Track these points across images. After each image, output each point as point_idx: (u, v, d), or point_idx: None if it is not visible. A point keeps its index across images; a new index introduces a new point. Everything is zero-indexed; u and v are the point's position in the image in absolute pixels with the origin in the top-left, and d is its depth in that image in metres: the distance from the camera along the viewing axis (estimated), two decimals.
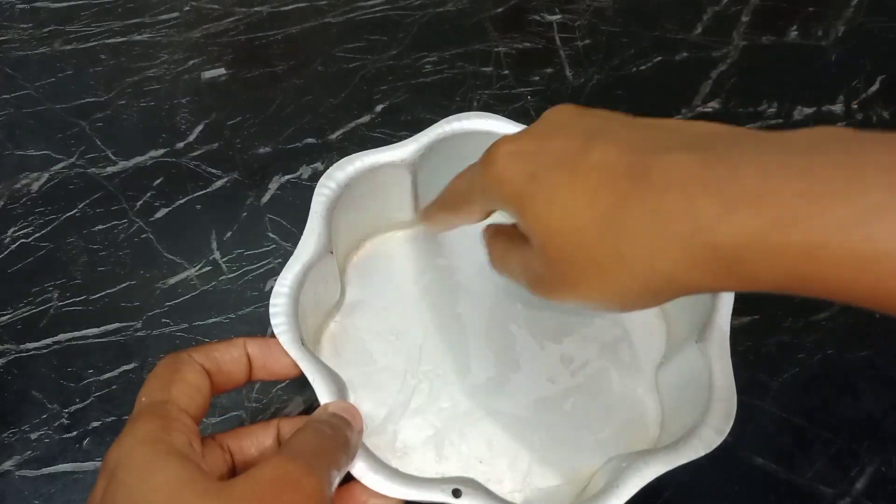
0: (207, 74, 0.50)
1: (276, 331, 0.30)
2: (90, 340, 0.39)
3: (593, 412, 0.36)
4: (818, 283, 0.19)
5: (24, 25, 0.52)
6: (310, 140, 0.47)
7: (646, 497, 0.32)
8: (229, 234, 0.43)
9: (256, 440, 0.28)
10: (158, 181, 0.45)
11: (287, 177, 0.45)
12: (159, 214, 0.44)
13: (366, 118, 0.48)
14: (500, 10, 0.55)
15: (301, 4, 0.54)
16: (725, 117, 0.49)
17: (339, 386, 0.30)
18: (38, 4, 0.53)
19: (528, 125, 0.38)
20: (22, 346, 0.39)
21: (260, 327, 0.40)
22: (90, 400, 0.37)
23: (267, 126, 0.48)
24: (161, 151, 0.46)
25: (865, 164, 0.18)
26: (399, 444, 0.35)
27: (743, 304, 0.39)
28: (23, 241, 0.42)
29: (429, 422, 0.35)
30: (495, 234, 0.31)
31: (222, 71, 0.50)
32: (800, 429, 0.37)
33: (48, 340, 0.39)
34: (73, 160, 0.46)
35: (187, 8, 0.54)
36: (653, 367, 0.37)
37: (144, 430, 0.24)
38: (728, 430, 0.30)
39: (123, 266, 0.42)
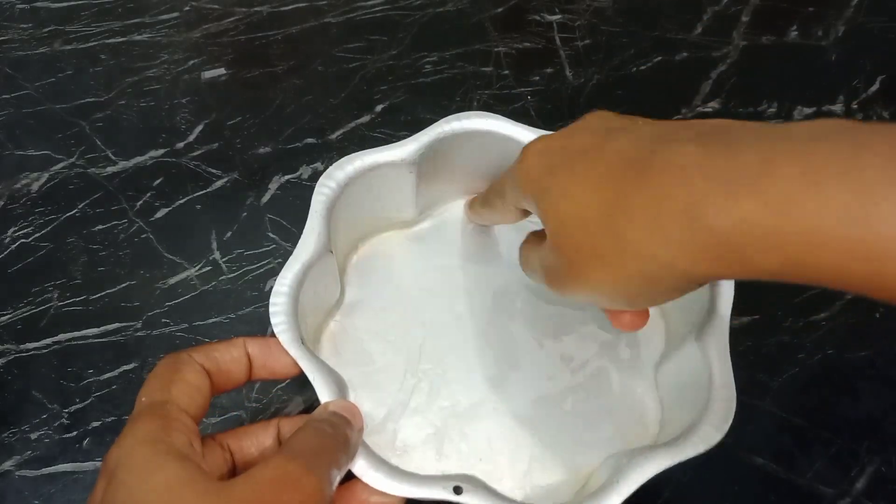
0: (207, 74, 0.50)
1: (275, 330, 0.30)
2: (90, 340, 0.39)
3: (593, 410, 0.36)
4: (816, 268, 0.19)
5: (24, 25, 0.52)
6: (310, 140, 0.47)
7: (646, 497, 0.32)
8: (229, 234, 0.43)
9: (256, 440, 0.28)
10: (158, 181, 0.45)
11: (287, 177, 0.45)
12: (159, 214, 0.44)
13: (366, 118, 0.48)
14: (500, 10, 0.55)
15: (301, 4, 0.54)
16: (725, 117, 0.49)
17: (340, 385, 0.30)
18: (38, 4, 0.53)
19: (527, 125, 0.38)
20: (22, 346, 0.39)
21: (260, 327, 0.40)
22: (90, 400, 0.37)
23: (267, 126, 0.48)
24: (161, 151, 0.46)
25: (864, 151, 0.18)
26: (399, 443, 0.35)
27: (743, 304, 0.39)
28: (23, 241, 0.42)
29: (429, 420, 0.35)
30: (526, 240, 0.32)
31: (222, 71, 0.50)
32: (800, 429, 0.37)
33: (48, 340, 0.39)
34: (73, 160, 0.46)
35: (187, 8, 0.54)
36: (652, 365, 0.38)
37: (144, 431, 0.24)
38: (727, 427, 0.30)
39: (123, 266, 0.42)
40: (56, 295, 0.41)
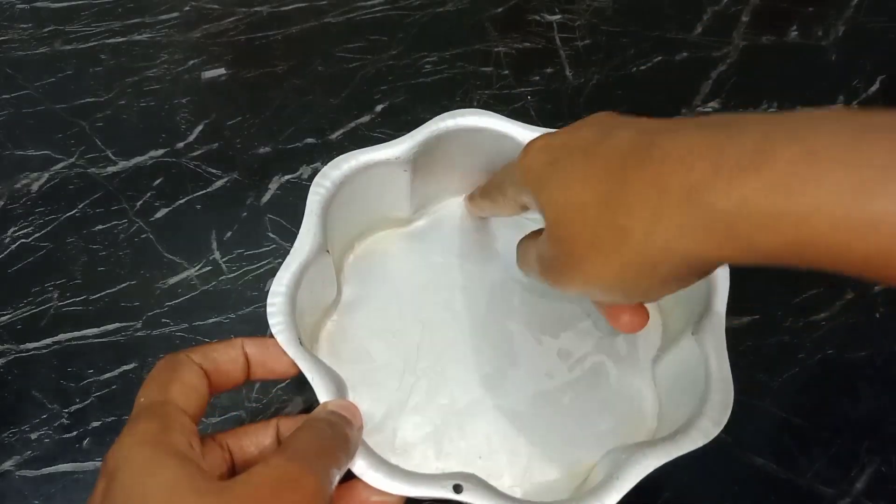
0: (207, 74, 0.50)
1: (273, 330, 0.30)
2: (90, 340, 0.39)
3: (591, 406, 0.36)
4: (817, 248, 0.19)
5: (24, 25, 0.52)
6: (310, 140, 0.47)
7: (645, 496, 0.32)
8: (229, 234, 0.43)
9: (256, 439, 0.28)
10: (158, 181, 0.45)
11: (287, 177, 0.45)
12: (159, 214, 0.44)
13: (366, 118, 0.48)
14: (500, 10, 0.55)
15: (301, 4, 0.54)
16: None
17: (338, 384, 0.30)
18: (38, 4, 0.53)
19: (525, 123, 0.38)
20: (22, 346, 0.39)
21: (260, 327, 0.40)
22: (90, 400, 0.37)
23: (267, 126, 0.48)
24: (161, 151, 0.46)
25: (865, 131, 0.18)
26: (399, 442, 0.35)
27: (743, 304, 0.39)
28: (23, 241, 0.42)
29: (428, 419, 0.35)
30: (523, 238, 0.33)
31: (222, 71, 0.50)
32: (800, 429, 0.37)
33: (48, 340, 0.39)
34: (73, 160, 0.46)
35: (187, 8, 0.54)
36: (650, 360, 0.38)
37: (143, 431, 0.24)
38: (725, 420, 0.30)
39: (123, 266, 0.42)
40: (56, 295, 0.41)
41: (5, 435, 0.36)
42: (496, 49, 0.52)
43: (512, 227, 0.42)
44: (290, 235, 0.43)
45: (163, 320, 0.40)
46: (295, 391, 0.38)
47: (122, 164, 0.46)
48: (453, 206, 0.42)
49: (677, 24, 0.54)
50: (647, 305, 0.39)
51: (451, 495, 0.28)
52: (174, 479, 0.22)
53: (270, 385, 0.38)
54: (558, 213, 0.26)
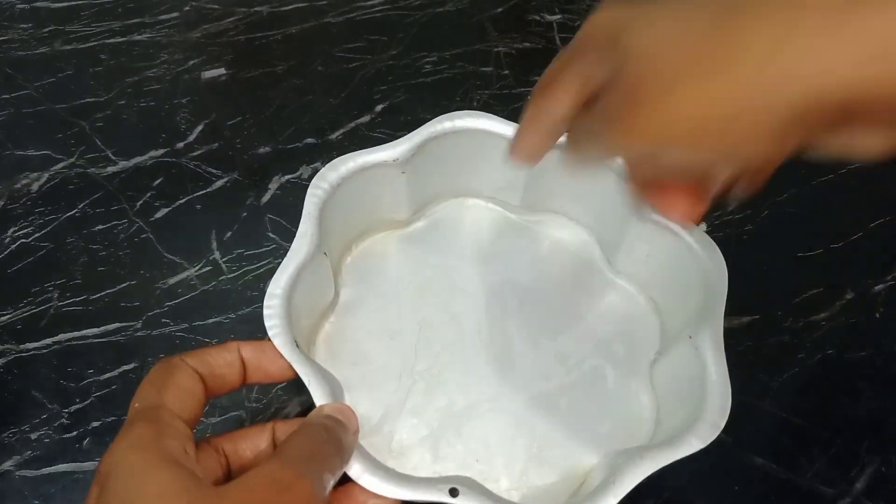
0: (207, 74, 0.50)
1: (270, 333, 0.30)
2: (90, 340, 0.39)
3: (589, 409, 0.36)
4: None
5: (24, 25, 0.52)
6: (310, 140, 0.47)
7: (645, 496, 0.32)
8: (229, 234, 0.43)
9: (252, 443, 0.28)
10: (158, 181, 0.45)
11: (287, 177, 0.45)
12: (159, 214, 0.44)
13: (366, 118, 0.48)
14: (500, 10, 0.55)
15: (301, 4, 0.54)
16: None
17: (335, 387, 0.30)
18: (38, 4, 0.53)
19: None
20: (22, 346, 0.39)
21: (260, 327, 0.40)
22: (90, 400, 0.37)
23: (267, 126, 0.48)
24: (161, 151, 0.46)
25: None
26: (395, 445, 0.35)
27: (743, 304, 0.39)
28: (23, 241, 0.42)
29: (425, 421, 0.35)
30: (572, 126, 0.26)
31: (222, 71, 0.50)
32: (800, 429, 0.37)
33: (48, 340, 0.39)
34: (73, 160, 0.46)
35: (187, 8, 0.54)
36: (647, 363, 0.38)
37: (137, 436, 0.23)
38: (724, 424, 0.30)
39: (123, 266, 0.42)
40: (56, 295, 0.41)
41: (5, 435, 0.36)
42: (496, 49, 0.52)
43: (510, 229, 0.42)
44: (290, 235, 0.43)
45: (163, 320, 0.40)
46: (295, 391, 0.38)
47: (122, 164, 0.46)
48: (451, 208, 0.42)
49: None
50: (645, 307, 0.39)
51: (448, 499, 0.28)
52: (166, 486, 0.22)
53: (270, 385, 0.38)
54: (646, 43, 0.20)
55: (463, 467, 0.34)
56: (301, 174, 0.45)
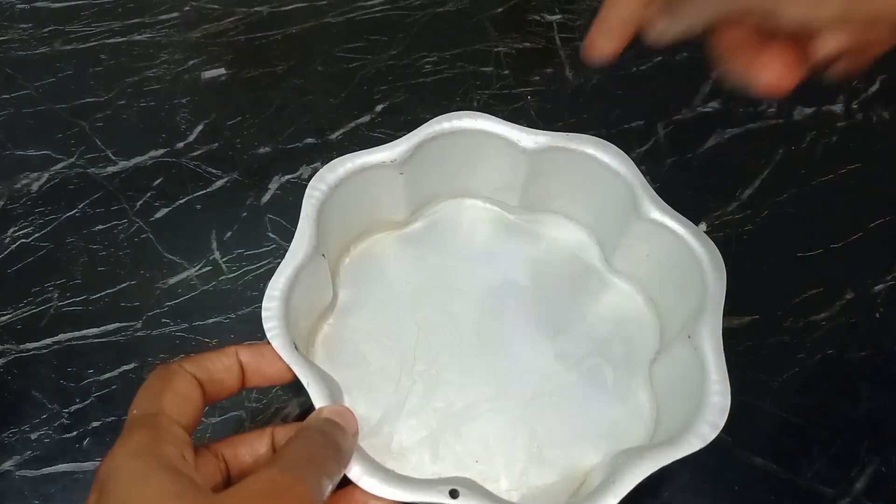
0: (207, 74, 0.50)
1: (268, 335, 0.30)
2: (90, 340, 0.39)
3: (588, 409, 0.36)
4: None
5: (24, 25, 0.52)
6: (310, 140, 0.47)
7: (645, 496, 0.32)
8: (229, 234, 0.43)
9: (251, 448, 0.28)
10: (158, 181, 0.45)
11: (287, 177, 0.45)
12: (159, 214, 0.44)
13: (366, 118, 0.48)
14: (500, 10, 0.55)
15: (301, 4, 0.54)
16: (725, 117, 0.49)
17: (334, 389, 0.30)
18: (38, 4, 0.53)
19: (525, 125, 0.38)
20: (22, 346, 0.39)
21: (260, 327, 0.39)
22: (90, 400, 0.37)
23: (267, 126, 0.48)
24: (161, 151, 0.46)
25: None
26: (395, 446, 0.35)
27: (743, 304, 0.39)
28: (23, 241, 0.42)
29: (424, 422, 0.35)
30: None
31: (222, 71, 0.50)
32: (800, 429, 0.37)
33: (48, 340, 0.39)
34: (73, 160, 0.46)
35: (187, 8, 0.54)
36: (646, 362, 0.38)
37: (135, 443, 0.23)
38: (723, 423, 0.30)
39: (123, 266, 0.42)
40: (56, 295, 0.41)
41: (5, 435, 0.36)
42: (496, 49, 0.52)
43: (509, 229, 0.42)
44: (291, 235, 0.42)
45: (163, 320, 0.40)
46: (294, 392, 0.38)
47: (122, 164, 0.46)
48: (449, 209, 0.42)
49: None
50: (644, 307, 0.39)
51: (448, 500, 0.28)
52: (164, 492, 0.22)
53: (269, 386, 0.38)
54: None
55: (462, 468, 0.34)
56: (301, 174, 0.45)
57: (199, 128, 0.47)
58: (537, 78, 0.51)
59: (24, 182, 0.45)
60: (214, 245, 0.42)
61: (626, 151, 0.37)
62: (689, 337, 0.33)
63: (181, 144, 0.47)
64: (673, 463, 0.29)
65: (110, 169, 0.45)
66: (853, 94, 0.51)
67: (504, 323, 0.38)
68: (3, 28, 0.52)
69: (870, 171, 0.47)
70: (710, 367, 0.31)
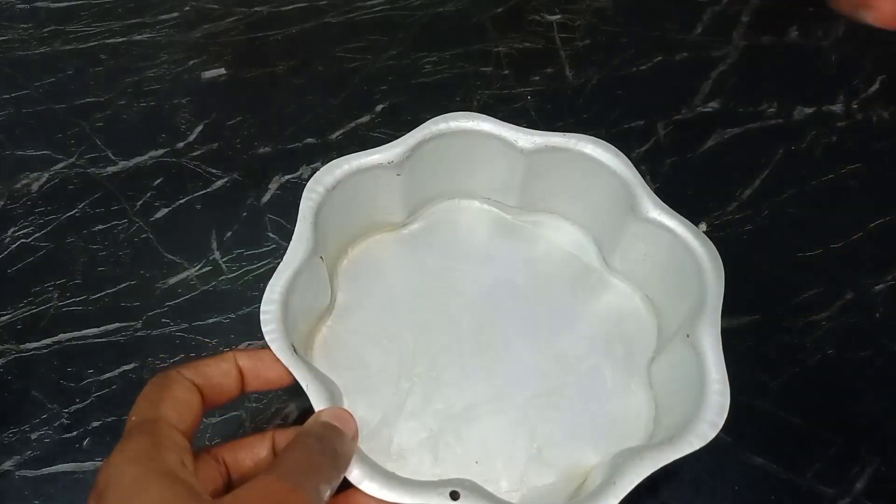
0: (207, 74, 0.50)
1: (267, 338, 0.30)
2: (90, 340, 0.39)
3: (587, 409, 0.36)
4: None
5: (24, 25, 0.52)
6: (310, 140, 0.47)
7: (645, 496, 0.32)
8: (229, 234, 0.43)
9: (252, 452, 0.28)
10: (158, 181, 0.45)
11: (287, 177, 0.45)
12: (159, 214, 0.44)
13: (366, 118, 0.48)
14: (500, 10, 0.55)
15: (301, 4, 0.54)
16: (725, 117, 0.49)
17: (333, 391, 0.30)
18: (38, 4, 0.53)
19: (525, 125, 0.38)
20: (22, 346, 0.39)
21: (259, 327, 0.40)
22: (90, 400, 0.37)
23: (267, 126, 0.48)
24: (161, 151, 0.46)
25: None
26: (395, 448, 0.35)
27: (743, 304, 0.39)
28: (23, 241, 0.42)
29: (424, 424, 0.35)
30: None
31: (222, 71, 0.50)
32: (800, 429, 0.37)
33: (48, 340, 0.39)
34: (73, 160, 0.46)
35: (187, 8, 0.54)
36: (645, 362, 0.38)
37: (134, 449, 0.23)
38: (722, 422, 0.30)
39: (123, 266, 0.42)
40: (56, 295, 0.41)
41: (5, 435, 0.36)
42: (496, 49, 0.52)
43: (507, 230, 0.42)
44: (290, 235, 0.43)
45: (163, 320, 0.40)
46: (294, 393, 0.38)
47: (122, 164, 0.46)
48: (447, 210, 0.42)
49: (677, 24, 0.54)
50: (642, 307, 0.39)
51: (448, 502, 0.28)
52: (163, 498, 0.22)
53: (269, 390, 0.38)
54: None
55: (462, 469, 0.34)
56: (301, 174, 0.45)
57: (199, 128, 0.47)
58: (537, 78, 0.51)
59: (24, 182, 0.45)
60: (214, 245, 0.43)
61: (626, 151, 0.37)
62: (688, 336, 0.33)
63: (181, 144, 0.47)
64: (673, 462, 0.29)
65: (110, 169, 0.45)
66: (853, 93, 0.51)
67: (503, 323, 0.38)
68: (3, 28, 0.52)
69: (870, 171, 0.47)
70: (710, 366, 0.31)
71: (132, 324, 0.40)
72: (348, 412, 0.29)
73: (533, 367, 0.37)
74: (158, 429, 0.24)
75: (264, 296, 0.31)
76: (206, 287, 0.41)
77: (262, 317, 0.31)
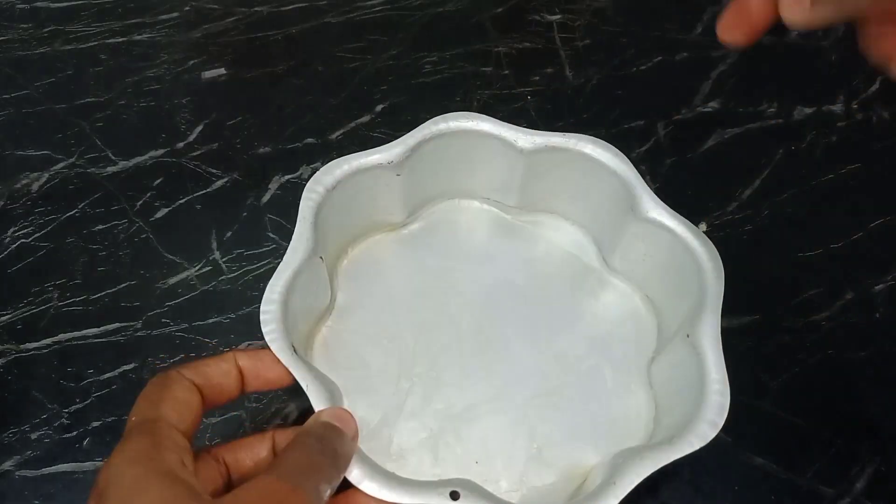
0: (207, 74, 0.50)
1: (267, 338, 0.30)
2: (90, 340, 0.39)
3: (587, 409, 0.36)
4: None
5: (24, 25, 0.52)
6: (310, 140, 0.47)
7: (645, 496, 0.32)
8: (229, 234, 0.43)
9: (252, 452, 0.28)
10: (158, 181, 0.45)
11: (287, 177, 0.45)
12: (159, 214, 0.44)
13: (366, 118, 0.48)
14: (500, 10, 0.55)
15: (301, 4, 0.54)
16: (725, 117, 0.49)
17: (333, 391, 0.30)
18: (38, 4, 0.53)
19: (525, 125, 0.38)
20: (22, 346, 0.39)
21: (259, 327, 0.40)
22: (90, 400, 0.37)
23: (267, 126, 0.48)
24: (161, 151, 0.46)
25: None
26: (395, 448, 0.35)
27: (743, 304, 0.39)
28: (23, 241, 0.42)
29: (424, 424, 0.35)
30: None
31: (222, 71, 0.50)
32: (800, 429, 0.37)
33: (48, 340, 0.39)
34: (73, 160, 0.46)
35: (187, 8, 0.54)
36: (645, 362, 0.38)
37: (134, 450, 0.23)
38: (722, 422, 0.30)
39: (123, 266, 0.42)
40: (56, 295, 0.41)
41: (5, 435, 0.36)
42: (496, 49, 0.52)
43: (506, 230, 0.42)
44: (291, 235, 0.43)
45: (163, 320, 0.40)
46: (294, 391, 0.38)
47: (122, 164, 0.46)
48: (446, 210, 0.42)
49: (677, 24, 0.54)
50: (642, 307, 0.39)
51: (448, 502, 0.28)
52: (163, 498, 0.22)
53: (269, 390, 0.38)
54: None
55: (462, 469, 0.34)
56: (301, 174, 0.45)
57: (199, 128, 0.47)
58: (537, 78, 0.51)
59: (24, 182, 0.45)
60: (214, 245, 0.43)
61: (626, 151, 0.37)
62: (688, 336, 0.33)
63: (181, 144, 0.47)
64: (673, 462, 0.29)
65: (110, 169, 0.45)
66: (853, 93, 0.51)
67: (503, 324, 0.38)
68: (3, 28, 0.52)
69: (870, 171, 0.47)
70: (710, 365, 0.31)
71: (132, 324, 0.40)
72: (348, 412, 0.29)
73: (533, 367, 0.37)
74: (158, 429, 0.24)
75: (264, 296, 0.31)
76: (206, 287, 0.41)
77: (262, 317, 0.31)
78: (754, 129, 0.49)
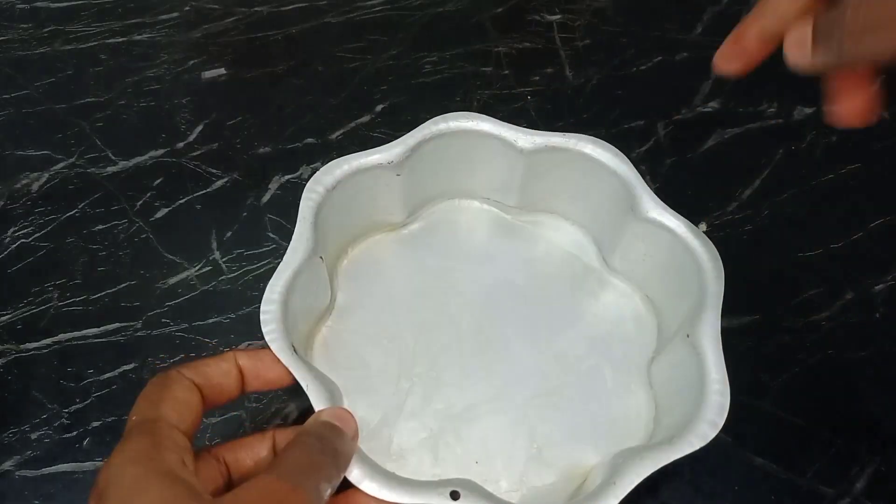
0: (207, 74, 0.50)
1: (267, 338, 0.30)
2: (90, 340, 0.39)
3: (587, 409, 0.36)
4: None
5: (24, 25, 0.52)
6: (310, 140, 0.47)
7: (645, 496, 0.32)
8: (229, 234, 0.43)
9: (252, 451, 0.28)
10: (158, 181, 0.45)
11: (287, 177, 0.45)
12: (159, 214, 0.44)
13: (366, 118, 0.48)
14: (500, 10, 0.55)
15: (301, 4, 0.54)
16: (725, 117, 0.49)
17: (333, 391, 0.30)
18: (38, 4, 0.53)
19: (525, 125, 0.38)
20: (22, 346, 0.39)
21: (259, 327, 0.40)
22: (90, 400, 0.37)
23: (267, 126, 0.48)
24: (161, 151, 0.46)
25: None
26: (395, 448, 0.35)
27: (743, 304, 0.39)
28: (23, 241, 0.42)
29: (424, 424, 0.35)
30: (809, 24, 0.25)
31: (222, 71, 0.50)
32: (800, 429, 0.37)
33: (48, 340, 0.39)
34: (73, 160, 0.46)
35: (187, 8, 0.54)
36: (645, 362, 0.38)
37: (134, 450, 0.23)
38: (722, 422, 0.30)
39: (123, 266, 0.42)
40: (56, 295, 0.41)
41: (5, 435, 0.36)
42: (496, 49, 0.52)
43: (506, 230, 0.42)
44: (291, 235, 0.43)
45: (163, 320, 0.40)
46: (294, 391, 0.38)
47: (122, 164, 0.46)
48: (446, 210, 0.42)
49: (677, 24, 0.54)
50: (642, 307, 0.39)
51: (448, 502, 0.28)
52: (163, 498, 0.22)
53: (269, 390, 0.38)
54: None
55: (462, 470, 0.34)
56: (301, 174, 0.45)
57: (199, 128, 0.47)
58: (537, 78, 0.51)
59: (24, 182, 0.45)
60: (214, 245, 0.43)
61: (626, 151, 0.37)
62: (688, 336, 0.33)
63: (181, 144, 0.47)
64: (673, 462, 0.29)
65: (110, 169, 0.45)
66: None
67: (502, 324, 0.38)
68: (3, 28, 0.52)
69: (870, 171, 0.47)
70: (710, 365, 0.31)
71: (132, 324, 0.40)
72: (348, 412, 0.29)
73: (533, 367, 0.37)
74: (159, 429, 0.24)
75: (264, 296, 0.31)
76: (206, 287, 0.41)
77: (262, 317, 0.31)
78: (754, 129, 0.49)
